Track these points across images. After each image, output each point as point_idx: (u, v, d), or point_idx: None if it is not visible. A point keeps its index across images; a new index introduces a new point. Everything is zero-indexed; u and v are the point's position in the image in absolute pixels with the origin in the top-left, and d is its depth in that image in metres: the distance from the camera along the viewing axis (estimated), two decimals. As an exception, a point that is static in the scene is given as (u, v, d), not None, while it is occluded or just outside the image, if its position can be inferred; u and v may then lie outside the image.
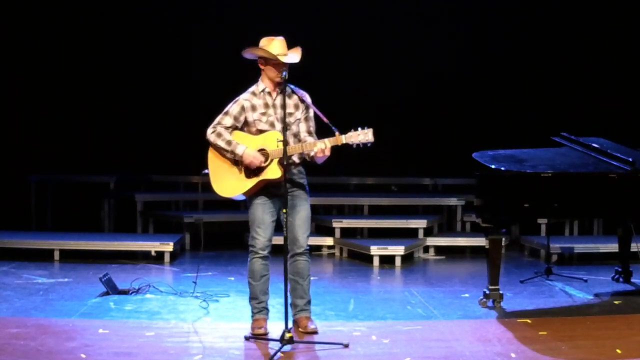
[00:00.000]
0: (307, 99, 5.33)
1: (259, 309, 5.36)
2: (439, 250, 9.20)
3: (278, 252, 5.35)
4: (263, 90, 5.32)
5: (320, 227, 9.44)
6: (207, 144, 5.38)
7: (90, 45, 10.59)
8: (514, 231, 9.77)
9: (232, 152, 5.24)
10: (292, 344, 4.90)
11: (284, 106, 5.10)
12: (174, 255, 8.53)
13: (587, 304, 6.40)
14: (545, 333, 5.37)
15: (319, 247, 9.13)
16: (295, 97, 5.32)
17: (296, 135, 5.31)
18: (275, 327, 5.27)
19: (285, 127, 5.03)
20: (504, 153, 6.45)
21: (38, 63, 10.46)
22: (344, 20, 10.84)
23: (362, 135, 5.02)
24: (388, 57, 10.93)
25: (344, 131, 5.05)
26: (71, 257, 8.36)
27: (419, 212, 10.16)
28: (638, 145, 6.75)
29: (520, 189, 6.03)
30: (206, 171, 5.39)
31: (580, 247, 8.77)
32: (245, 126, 5.33)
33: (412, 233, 9.13)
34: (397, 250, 8.39)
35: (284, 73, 5.10)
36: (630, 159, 6.15)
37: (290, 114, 5.28)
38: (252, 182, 5.22)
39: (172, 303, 6.31)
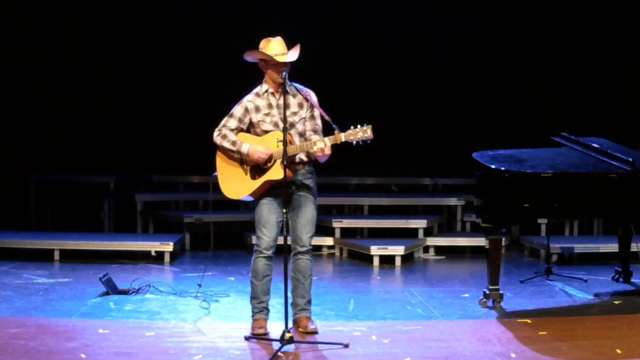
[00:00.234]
0: (312, 97, 5.32)
1: (260, 309, 5.36)
2: (439, 250, 9.20)
3: (279, 253, 5.35)
4: (266, 91, 5.33)
5: (320, 227, 9.36)
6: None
7: (90, 45, 10.59)
8: (514, 231, 9.77)
9: (238, 152, 5.26)
10: (292, 344, 4.90)
11: (284, 106, 5.10)
12: (174, 255, 8.53)
13: (587, 304, 6.40)
14: (545, 333, 5.37)
15: (319, 247, 9.13)
16: (299, 96, 5.32)
17: (302, 134, 5.31)
18: (275, 327, 5.27)
19: (286, 128, 5.03)
20: (504, 153, 6.45)
21: (38, 63, 10.46)
22: (344, 20, 10.84)
23: (361, 133, 5.01)
24: (388, 57, 10.93)
25: (344, 130, 5.05)
26: (71, 257, 8.36)
27: (419, 212, 10.16)
28: (638, 145, 6.75)
29: (520, 189, 6.02)
30: (216, 174, 5.41)
31: (580, 247, 8.77)
32: (251, 127, 5.35)
33: (412, 233, 9.13)
34: (397, 250, 8.39)
35: (284, 73, 5.10)
36: (630, 159, 6.15)
37: (295, 113, 5.28)
38: (258, 183, 5.23)
39: (172, 303, 6.31)
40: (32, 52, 10.45)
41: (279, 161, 5.11)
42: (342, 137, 5.04)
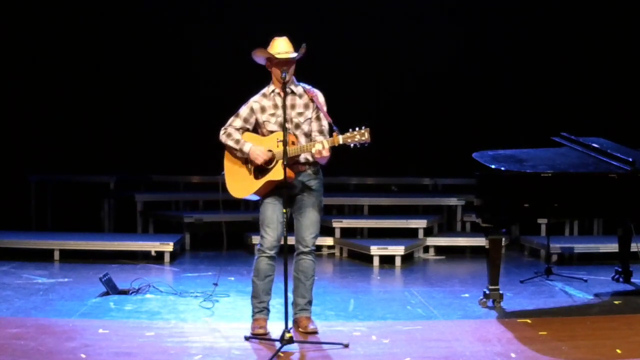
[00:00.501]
0: (319, 98, 5.32)
1: (260, 309, 5.36)
2: (439, 250, 9.20)
3: (281, 252, 5.34)
4: (273, 92, 5.33)
5: (320, 227, 9.41)
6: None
7: (90, 45, 10.59)
8: (514, 231, 9.77)
9: (241, 151, 5.27)
10: (292, 344, 4.90)
11: (283, 106, 5.10)
12: (174, 255, 8.53)
13: (587, 304, 6.40)
14: (545, 333, 5.37)
15: (319, 247, 9.11)
16: (305, 96, 5.32)
17: (307, 135, 5.31)
18: (275, 327, 5.27)
19: (286, 128, 5.03)
20: (504, 153, 6.45)
21: (38, 63, 10.46)
22: (344, 20, 10.84)
23: (359, 136, 5.01)
24: (388, 57, 10.93)
25: (343, 131, 5.05)
26: (71, 257, 8.36)
27: (419, 212, 10.16)
28: (638, 145, 6.75)
29: (520, 189, 6.02)
30: (223, 173, 5.42)
31: (580, 247, 8.77)
32: (257, 127, 5.37)
33: (412, 233, 9.13)
34: (397, 250, 8.39)
35: (284, 74, 5.11)
36: (630, 159, 6.15)
37: (300, 114, 5.29)
38: (260, 182, 5.24)
39: (172, 303, 6.31)
40: (32, 52, 10.45)
41: (280, 162, 5.11)
42: (340, 139, 5.04)
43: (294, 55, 5.21)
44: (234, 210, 9.89)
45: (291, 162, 5.14)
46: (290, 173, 5.10)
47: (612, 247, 7.86)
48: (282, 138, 5.05)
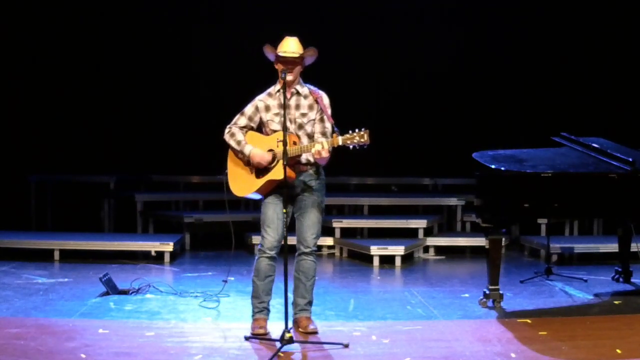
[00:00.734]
0: (324, 100, 5.32)
1: (260, 309, 5.36)
2: (439, 250, 9.20)
3: (281, 252, 5.34)
4: (279, 91, 5.32)
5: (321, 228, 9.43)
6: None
7: (90, 45, 10.59)
8: (514, 231, 9.77)
9: (242, 152, 5.28)
10: (292, 344, 4.90)
11: (284, 106, 5.10)
12: (174, 255, 8.53)
13: (587, 304, 6.40)
14: (545, 333, 5.37)
15: (319, 247, 9.08)
16: (311, 97, 5.33)
17: (310, 136, 5.31)
18: (275, 327, 5.27)
19: (286, 128, 5.03)
20: (504, 153, 6.45)
21: (38, 63, 10.46)
22: (344, 20, 10.84)
23: (358, 137, 5.02)
24: (388, 57, 10.93)
25: (344, 132, 5.06)
26: (71, 257, 8.36)
27: (419, 212, 10.16)
28: (638, 145, 6.75)
29: (520, 189, 6.02)
30: (226, 171, 5.42)
31: (580, 247, 8.77)
32: (262, 126, 5.37)
33: (412, 233, 9.13)
34: (397, 250, 8.39)
35: (283, 74, 5.11)
36: (630, 159, 6.15)
37: (304, 115, 5.29)
38: (261, 182, 5.25)
39: (172, 303, 6.31)
40: (32, 52, 10.45)
41: (281, 161, 5.11)
42: (340, 140, 5.05)
43: (296, 55, 5.20)
44: (234, 210, 9.90)
45: (292, 162, 5.14)
46: (291, 173, 5.10)
47: (612, 247, 7.86)
48: (281, 138, 5.05)
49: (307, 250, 5.38)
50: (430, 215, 9.77)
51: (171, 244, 8.44)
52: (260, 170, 5.28)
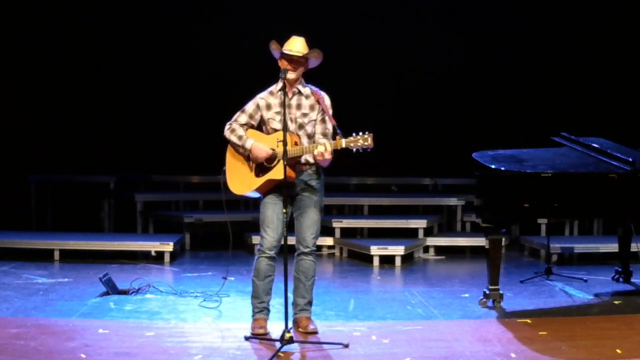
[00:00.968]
0: (326, 101, 5.32)
1: (260, 309, 5.36)
2: (439, 250, 9.20)
3: (281, 252, 5.34)
4: (280, 90, 5.32)
5: (320, 227, 9.43)
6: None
7: (90, 45, 10.59)
8: (514, 231, 9.78)
9: (243, 147, 5.28)
10: (292, 344, 4.90)
11: (284, 106, 5.10)
12: (174, 255, 8.53)
13: (587, 304, 6.40)
14: (545, 333, 5.37)
15: (319, 247, 9.09)
16: (312, 98, 5.33)
17: (311, 137, 5.31)
18: (275, 327, 5.27)
19: (286, 128, 5.03)
20: (504, 153, 6.45)
21: (38, 63, 10.46)
22: (344, 20, 10.84)
23: (362, 140, 5.02)
24: (388, 57, 10.93)
25: (346, 134, 5.06)
26: (71, 257, 8.36)
27: (419, 212, 10.17)
28: (638, 145, 6.75)
29: (520, 189, 6.02)
30: (224, 168, 5.42)
31: (580, 247, 8.77)
32: (262, 124, 5.37)
33: (412, 233, 9.13)
34: (397, 250, 8.39)
35: (283, 73, 5.11)
36: (630, 159, 6.15)
37: (305, 115, 5.29)
38: (260, 181, 5.24)
39: (172, 303, 6.31)
40: (32, 52, 10.45)
41: (282, 161, 5.11)
42: (343, 143, 5.05)
43: (300, 54, 5.19)
44: (234, 210, 9.90)
45: (292, 162, 5.14)
46: (291, 173, 5.10)
47: (612, 247, 7.86)
48: (281, 137, 5.04)
49: (307, 250, 5.38)
50: (430, 215, 9.77)
51: (171, 244, 8.44)
52: (260, 169, 5.27)
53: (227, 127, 5.36)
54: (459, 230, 10.03)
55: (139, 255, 8.62)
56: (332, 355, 4.88)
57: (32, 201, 10.30)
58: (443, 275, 8.01)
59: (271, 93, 5.37)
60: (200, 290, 6.70)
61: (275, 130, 5.28)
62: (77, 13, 10.52)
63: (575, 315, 5.98)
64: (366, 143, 5.01)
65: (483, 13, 10.91)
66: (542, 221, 9.09)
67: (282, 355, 4.83)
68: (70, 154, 10.49)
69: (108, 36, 10.61)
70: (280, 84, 5.30)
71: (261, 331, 5.26)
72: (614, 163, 6.25)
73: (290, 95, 5.28)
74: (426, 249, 9.20)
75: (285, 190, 5.07)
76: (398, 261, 8.37)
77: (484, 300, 6.19)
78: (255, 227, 6.05)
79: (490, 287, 6.15)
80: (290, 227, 5.28)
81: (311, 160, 5.29)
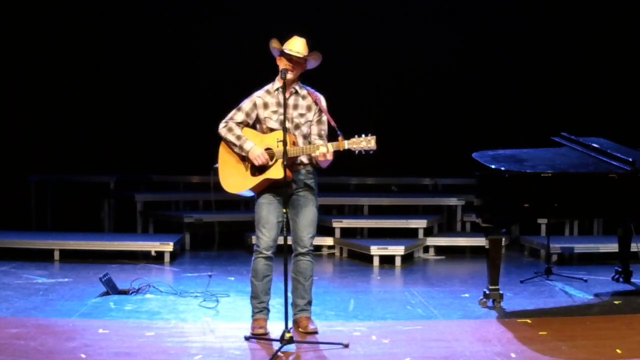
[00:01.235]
0: (322, 102, 5.32)
1: (260, 309, 5.36)
2: (439, 250, 9.20)
3: (280, 252, 5.34)
4: (277, 90, 5.31)
5: (320, 227, 9.32)
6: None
7: (90, 45, 10.59)
8: (514, 231, 9.78)
9: (241, 148, 5.25)
10: (292, 344, 4.90)
11: (284, 106, 5.10)
12: (174, 255, 8.53)
13: (587, 304, 6.40)
14: (545, 333, 5.37)
15: (319, 247, 9.13)
16: (309, 98, 5.32)
17: (306, 137, 5.30)
18: (275, 327, 5.27)
19: (286, 128, 5.03)
20: (504, 153, 6.45)
21: (38, 63, 10.46)
22: (344, 20, 10.84)
23: (365, 142, 5.01)
24: (388, 57, 10.93)
25: (347, 135, 5.05)
26: (71, 257, 8.36)
27: (419, 212, 10.17)
28: (638, 145, 6.75)
29: (520, 189, 6.02)
30: (216, 165, 5.39)
31: (580, 247, 8.77)
32: (257, 123, 5.35)
33: (412, 233, 9.13)
34: (397, 250, 8.39)
35: (283, 73, 5.10)
36: (630, 159, 6.15)
37: (302, 115, 5.29)
38: (257, 180, 5.23)
39: (172, 303, 6.30)
40: (32, 52, 10.45)
41: (280, 161, 5.10)
42: (346, 144, 5.05)
43: (301, 55, 5.19)
44: (234, 210, 9.90)
45: (290, 162, 5.14)
46: (289, 173, 5.09)
47: (612, 247, 7.86)
48: (281, 137, 5.04)
49: (304, 250, 5.36)
50: (430, 215, 9.77)
51: (171, 244, 8.44)
52: (256, 168, 5.25)
53: (222, 124, 5.33)
54: (459, 230, 10.03)
55: (139, 255, 8.62)
56: (332, 355, 4.88)
57: (32, 201, 10.30)
58: (443, 275, 8.01)
59: (268, 92, 5.36)
60: (200, 290, 6.70)
61: (271, 130, 5.26)
62: (77, 13, 10.52)
63: (575, 315, 5.98)
64: (369, 145, 5.01)
65: (483, 13, 10.91)
66: (542, 221, 9.09)
67: (281, 355, 4.83)
68: (70, 153, 10.49)
69: (108, 36, 10.62)
70: (277, 83, 5.30)
71: (261, 331, 5.26)
72: (614, 163, 6.25)
73: (287, 95, 5.28)
74: (426, 249, 9.20)
75: (285, 190, 5.07)
76: (398, 261, 8.36)
77: (484, 300, 6.19)
78: (254, 227, 6.04)
79: (490, 287, 6.15)
80: (286, 226, 5.28)
81: (305, 160, 5.29)
